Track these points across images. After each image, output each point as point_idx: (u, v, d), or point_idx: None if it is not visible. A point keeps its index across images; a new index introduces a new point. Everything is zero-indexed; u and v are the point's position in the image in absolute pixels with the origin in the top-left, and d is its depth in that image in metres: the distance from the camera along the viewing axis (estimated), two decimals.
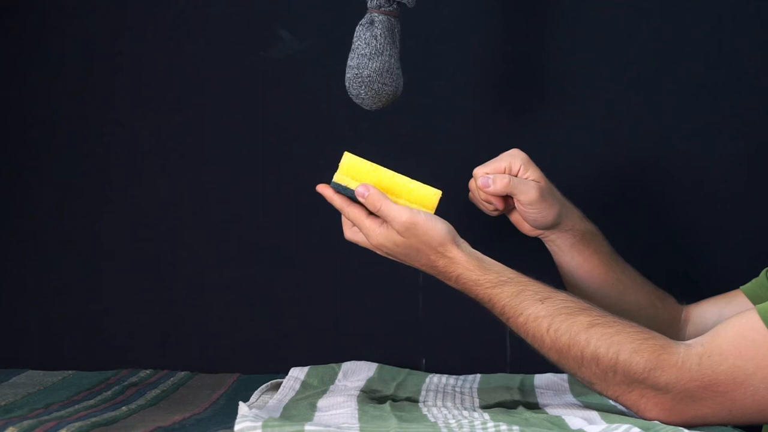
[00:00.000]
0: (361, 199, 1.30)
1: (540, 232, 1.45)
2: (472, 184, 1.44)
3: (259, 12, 1.76)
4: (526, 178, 1.41)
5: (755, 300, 1.42)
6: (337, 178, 1.32)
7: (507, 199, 1.43)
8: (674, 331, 1.48)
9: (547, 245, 1.47)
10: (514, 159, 1.42)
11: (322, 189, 1.33)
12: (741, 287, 1.46)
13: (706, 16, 1.73)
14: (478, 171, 1.42)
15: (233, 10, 1.76)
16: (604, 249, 1.47)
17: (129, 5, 1.77)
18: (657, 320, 1.46)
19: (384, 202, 1.29)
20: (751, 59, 1.73)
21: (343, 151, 1.33)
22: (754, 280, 1.45)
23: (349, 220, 1.33)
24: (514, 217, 1.46)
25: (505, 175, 1.40)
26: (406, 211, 1.28)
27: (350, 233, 1.35)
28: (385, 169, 1.33)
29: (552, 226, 1.44)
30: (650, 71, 1.74)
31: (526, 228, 1.46)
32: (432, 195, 1.32)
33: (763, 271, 1.44)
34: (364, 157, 1.33)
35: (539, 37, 1.74)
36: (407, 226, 1.28)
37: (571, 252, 1.46)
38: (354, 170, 1.32)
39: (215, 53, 1.77)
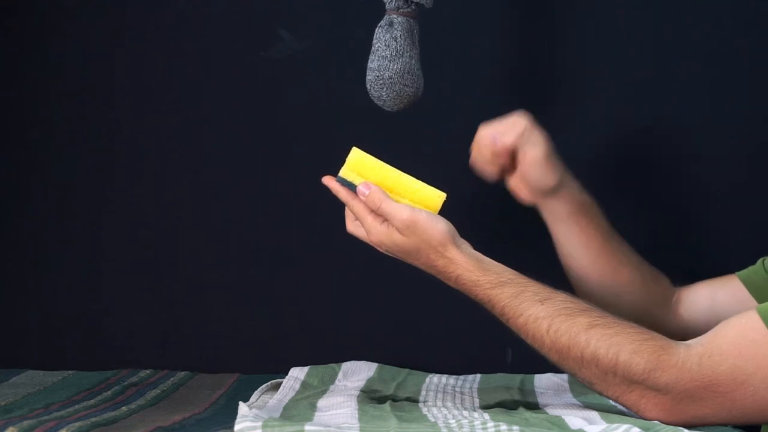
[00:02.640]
0: (362, 198, 1.30)
1: (538, 199, 1.44)
2: (475, 144, 1.43)
3: (259, 12, 1.76)
4: (532, 139, 1.41)
5: (750, 286, 1.42)
6: (343, 172, 1.33)
7: (509, 163, 1.42)
8: (665, 311, 1.48)
9: (543, 215, 1.46)
10: (519, 119, 1.41)
11: (328, 181, 1.33)
12: (736, 273, 1.45)
13: (706, 16, 1.73)
14: (483, 132, 1.41)
15: (233, 10, 1.76)
16: (601, 221, 1.45)
17: (129, 5, 1.77)
18: (650, 298, 1.46)
19: (385, 201, 1.29)
20: (751, 59, 1.73)
21: (350, 148, 1.33)
22: (750, 267, 1.44)
23: (352, 213, 1.33)
24: (513, 183, 1.44)
25: (516, 128, 1.40)
26: (407, 210, 1.28)
27: (352, 227, 1.35)
28: (392, 167, 1.33)
29: (552, 191, 1.43)
30: (651, 71, 1.74)
31: (525, 194, 1.44)
32: (436, 197, 1.32)
33: (760, 260, 1.44)
34: (369, 154, 1.33)
35: (540, 37, 1.74)
36: (407, 224, 1.28)
37: (567, 222, 1.44)
38: (360, 166, 1.33)
39: (215, 53, 1.77)
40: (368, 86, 1.46)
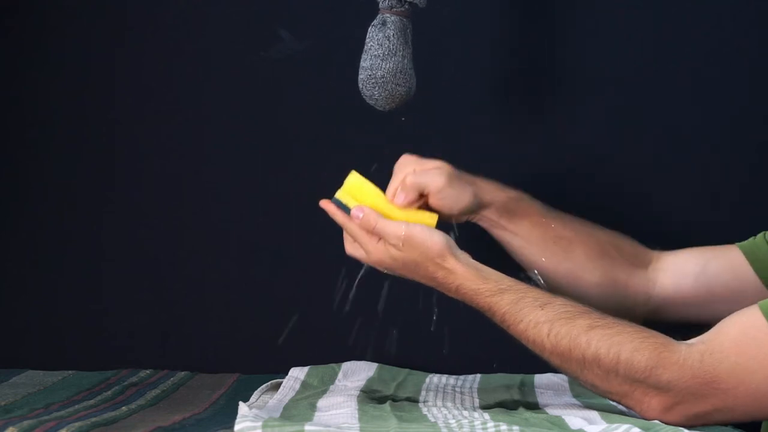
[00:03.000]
0: (356, 221, 1.31)
1: (465, 217, 1.42)
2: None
3: (259, 12, 1.76)
4: (428, 170, 1.38)
5: (752, 257, 1.41)
6: (339, 194, 1.35)
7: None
8: (637, 280, 1.46)
9: (481, 226, 1.45)
10: (405, 166, 1.39)
11: (325, 204, 1.35)
12: (737, 244, 1.44)
13: (706, 16, 1.73)
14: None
15: (233, 10, 1.76)
16: (533, 211, 1.45)
17: (129, 5, 1.77)
18: (615, 268, 1.45)
19: (379, 221, 1.30)
20: (751, 59, 1.73)
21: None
22: (751, 240, 1.43)
23: (349, 235, 1.34)
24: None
25: (401, 179, 1.36)
26: (402, 225, 1.30)
27: (351, 248, 1.36)
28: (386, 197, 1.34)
29: (472, 208, 1.42)
30: (651, 71, 1.73)
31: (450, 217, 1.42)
32: (427, 218, 1.34)
33: (761, 234, 1.42)
34: (367, 179, 1.35)
35: (540, 37, 1.74)
36: (404, 240, 1.29)
37: (500, 225, 1.44)
38: (356, 190, 1.35)
39: (215, 53, 1.77)
40: (360, 85, 1.46)
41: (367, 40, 1.45)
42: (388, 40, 1.44)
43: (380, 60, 1.44)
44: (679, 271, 1.45)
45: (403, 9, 1.45)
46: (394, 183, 1.38)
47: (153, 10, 1.77)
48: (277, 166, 1.77)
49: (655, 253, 1.48)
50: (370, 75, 1.44)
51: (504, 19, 1.75)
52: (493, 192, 1.44)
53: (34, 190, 1.79)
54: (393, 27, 1.44)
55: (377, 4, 1.47)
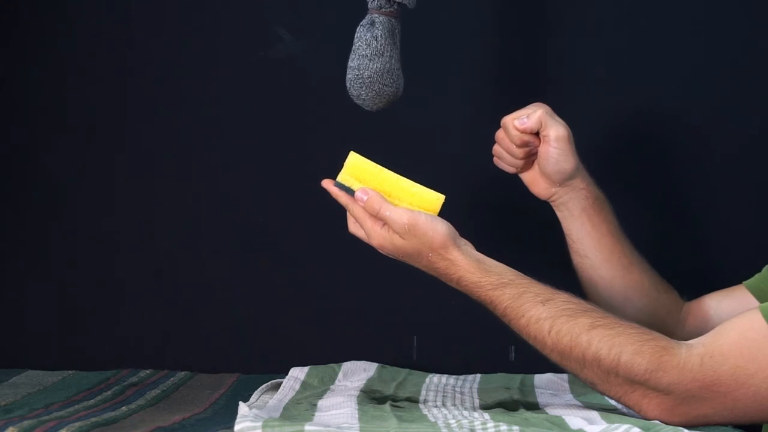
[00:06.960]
0: (360, 204, 1.30)
1: (554, 191, 1.44)
2: (500, 133, 1.44)
3: (259, 12, 1.76)
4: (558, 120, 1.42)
5: (758, 294, 1.42)
6: (341, 177, 1.32)
7: (531, 150, 1.43)
8: (673, 322, 1.48)
9: (557, 210, 1.46)
10: (538, 104, 1.42)
11: (327, 184, 1.33)
12: (743, 282, 1.46)
13: (707, 15, 1.73)
14: (507, 119, 1.42)
15: (233, 10, 1.76)
16: (612, 219, 1.46)
17: (130, 5, 1.77)
18: (659, 304, 1.47)
19: (383, 205, 1.29)
20: (752, 59, 1.73)
21: (349, 150, 1.33)
22: (756, 276, 1.45)
23: (353, 217, 1.33)
24: (530, 176, 1.45)
25: (538, 110, 1.41)
26: (406, 213, 1.28)
27: (354, 228, 1.35)
28: (389, 171, 1.33)
29: (568, 179, 1.43)
30: (651, 69, 1.74)
31: (541, 186, 1.45)
32: (435, 199, 1.32)
33: (766, 267, 1.44)
34: (367, 158, 1.33)
35: (537, 35, 1.74)
36: (408, 228, 1.28)
37: (581, 217, 1.45)
38: (358, 171, 1.32)
39: (215, 53, 1.77)
40: (348, 85, 1.46)
41: (355, 40, 1.45)
42: (376, 40, 1.43)
43: (368, 60, 1.43)
44: (701, 315, 1.48)
45: (391, 9, 1.45)
46: (521, 111, 1.41)
47: (153, 11, 1.77)
48: (277, 166, 1.77)
49: (684, 302, 1.51)
50: (357, 75, 1.44)
51: (502, 18, 1.75)
52: (588, 179, 1.45)
53: (34, 190, 1.79)
54: (381, 27, 1.44)
55: (366, 3, 1.46)
